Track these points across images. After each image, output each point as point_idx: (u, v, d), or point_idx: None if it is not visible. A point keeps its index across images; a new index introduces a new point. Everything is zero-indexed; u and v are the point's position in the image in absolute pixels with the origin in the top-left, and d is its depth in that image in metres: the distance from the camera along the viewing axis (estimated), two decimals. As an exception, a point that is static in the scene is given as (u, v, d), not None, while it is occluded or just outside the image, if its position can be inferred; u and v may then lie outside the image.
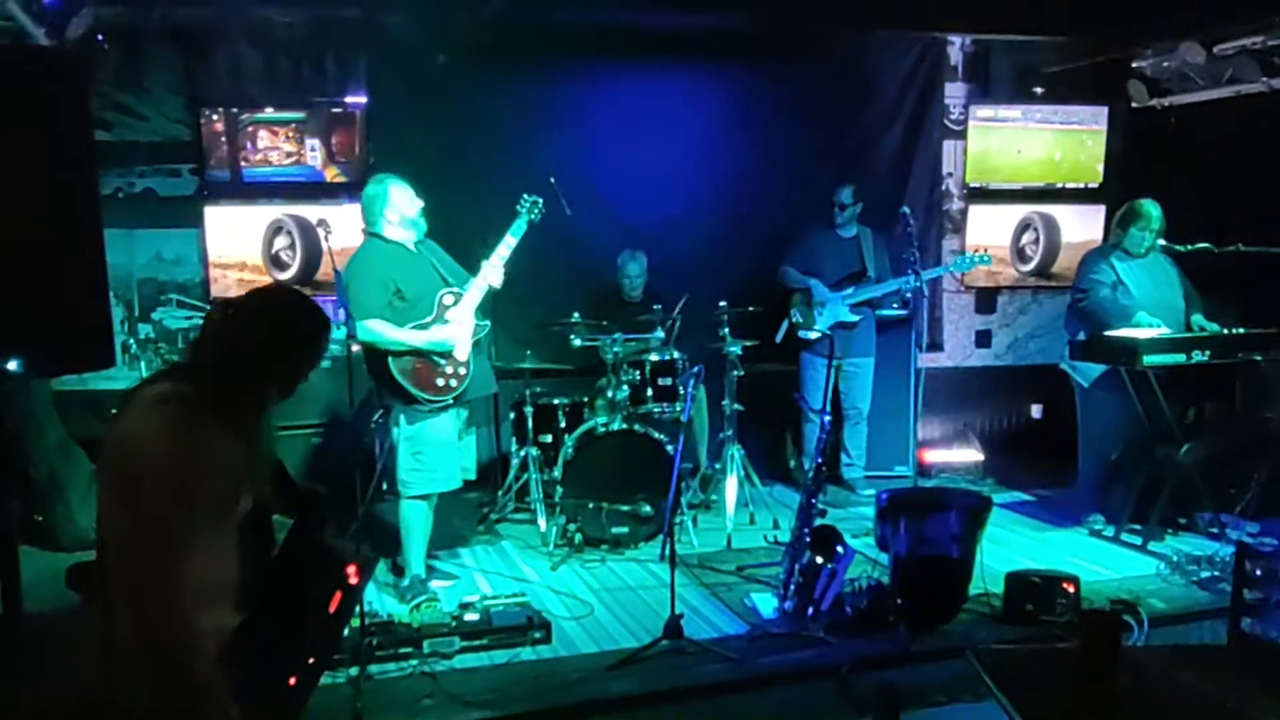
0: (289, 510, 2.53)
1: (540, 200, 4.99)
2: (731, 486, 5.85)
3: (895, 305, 6.56)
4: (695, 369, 4.88)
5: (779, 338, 6.36)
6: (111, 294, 6.27)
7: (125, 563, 2.11)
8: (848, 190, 6.36)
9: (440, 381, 4.61)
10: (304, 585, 2.32)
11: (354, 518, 2.47)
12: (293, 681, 2.28)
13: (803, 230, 6.53)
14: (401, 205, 4.70)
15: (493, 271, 4.75)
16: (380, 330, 4.52)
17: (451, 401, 4.66)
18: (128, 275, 6.37)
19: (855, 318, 6.36)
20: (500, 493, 6.11)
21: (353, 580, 2.40)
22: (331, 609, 2.36)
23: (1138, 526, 5.49)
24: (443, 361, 4.62)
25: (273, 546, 2.43)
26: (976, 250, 6.61)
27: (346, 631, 3.10)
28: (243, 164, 6.37)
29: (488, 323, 4.77)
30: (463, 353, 4.65)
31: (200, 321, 6.37)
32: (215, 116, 6.30)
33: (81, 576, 4.07)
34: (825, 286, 6.34)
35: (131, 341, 6.26)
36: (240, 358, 2.27)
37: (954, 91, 7.36)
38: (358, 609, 3.60)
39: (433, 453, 4.66)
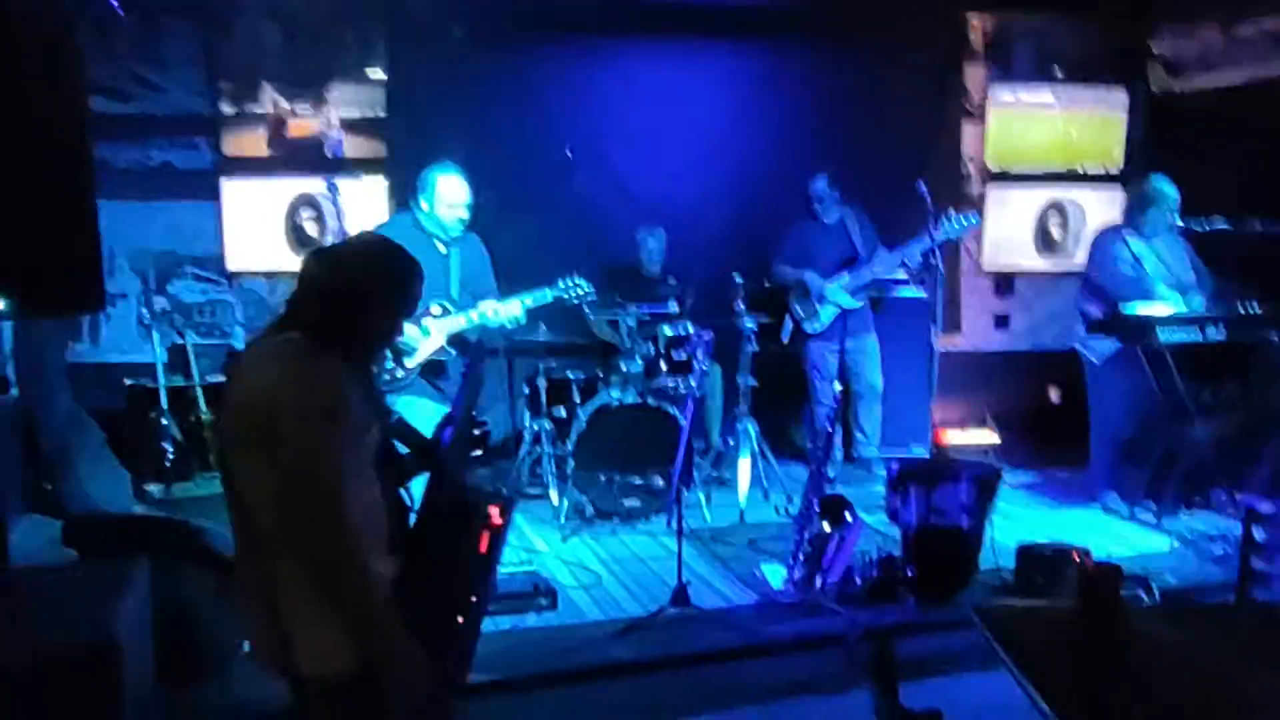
0: (420, 462, 2.53)
1: (589, 291, 4.92)
2: (745, 462, 5.81)
3: (910, 283, 6.49)
4: (705, 334, 4.85)
5: (785, 336, 6.32)
6: (128, 266, 6.42)
7: (288, 513, 2.07)
8: (822, 181, 6.25)
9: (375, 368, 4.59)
10: (452, 530, 2.33)
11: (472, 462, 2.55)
12: (460, 620, 2.32)
13: (788, 225, 6.45)
14: (444, 195, 4.60)
15: (488, 309, 4.69)
16: None
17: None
18: (144, 248, 6.40)
19: (858, 302, 6.30)
20: (513, 466, 6.10)
21: (496, 521, 2.39)
22: (482, 550, 2.37)
23: (1152, 505, 5.44)
24: (389, 356, 4.57)
25: (405, 493, 2.41)
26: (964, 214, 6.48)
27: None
28: (261, 137, 6.39)
29: (453, 352, 4.69)
30: (412, 362, 4.61)
31: (216, 295, 6.52)
32: (233, 89, 6.33)
33: (77, 534, 4.12)
34: (819, 277, 6.29)
35: (146, 313, 6.28)
36: (336, 304, 2.25)
37: (974, 73, 7.29)
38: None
39: None
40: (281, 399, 2.08)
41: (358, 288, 2.26)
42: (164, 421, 5.87)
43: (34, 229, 2.62)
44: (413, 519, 2.37)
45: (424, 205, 4.65)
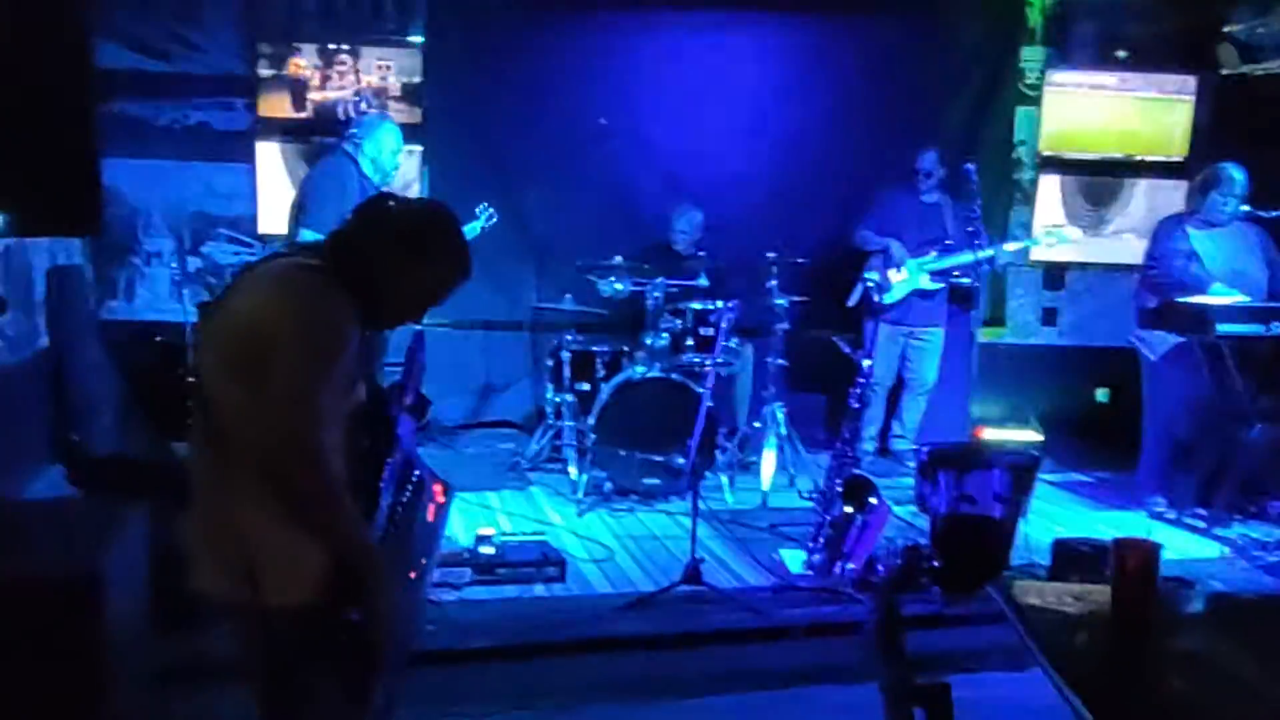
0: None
1: (494, 212, 5.52)
2: (771, 446, 5.61)
3: (956, 274, 6.26)
4: (730, 304, 4.67)
5: (852, 300, 6.07)
6: (163, 225, 6.41)
7: (267, 441, 1.95)
8: (932, 156, 6.01)
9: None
10: (404, 494, 2.31)
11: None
12: (412, 575, 2.31)
13: (883, 193, 6.21)
14: (386, 144, 4.80)
15: None
16: None
17: None
18: (179, 208, 6.36)
19: (935, 285, 6.06)
20: (534, 439, 5.98)
21: (440, 499, 2.39)
22: (430, 518, 2.38)
23: (1202, 511, 5.16)
24: None
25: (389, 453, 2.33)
26: (1060, 226, 6.23)
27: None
28: (297, 100, 6.33)
29: None
30: None
31: (249, 258, 6.47)
32: (272, 51, 6.28)
33: (82, 475, 4.08)
34: (904, 250, 6.06)
35: (178, 272, 6.25)
36: (364, 260, 2.11)
37: (1031, 55, 6.99)
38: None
39: None
40: (283, 325, 1.96)
41: (392, 255, 2.11)
42: (190, 379, 5.82)
43: (36, 151, 2.60)
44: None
45: (363, 147, 4.81)
